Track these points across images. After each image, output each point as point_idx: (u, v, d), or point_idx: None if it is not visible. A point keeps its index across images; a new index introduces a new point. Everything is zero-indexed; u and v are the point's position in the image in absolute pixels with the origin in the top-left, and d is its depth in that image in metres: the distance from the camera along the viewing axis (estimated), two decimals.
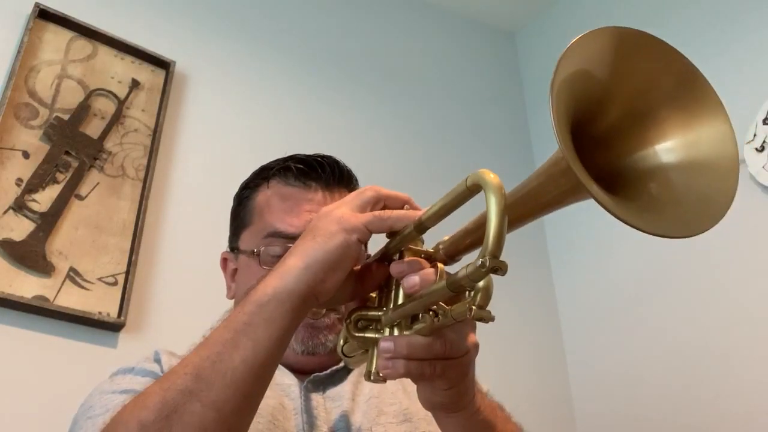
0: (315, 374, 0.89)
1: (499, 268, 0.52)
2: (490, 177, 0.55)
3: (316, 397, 0.87)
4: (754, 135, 1.71)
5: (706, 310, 1.73)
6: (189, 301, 1.51)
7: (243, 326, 0.63)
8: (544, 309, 2.14)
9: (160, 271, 1.55)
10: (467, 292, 0.58)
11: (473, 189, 0.57)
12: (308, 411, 0.85)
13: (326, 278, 0.64)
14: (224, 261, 1.03)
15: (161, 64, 1.77)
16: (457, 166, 2.22)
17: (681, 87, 0.57)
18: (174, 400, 0.60)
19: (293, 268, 0.64)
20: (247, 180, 1.02)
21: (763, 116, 1.72)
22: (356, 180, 1.00)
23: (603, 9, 2.35)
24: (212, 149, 1.77)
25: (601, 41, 0.55)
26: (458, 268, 0.65)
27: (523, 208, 0.60)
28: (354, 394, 0.88)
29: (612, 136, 0.58)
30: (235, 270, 0.99)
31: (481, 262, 0.52)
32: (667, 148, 0.57)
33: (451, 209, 0.61)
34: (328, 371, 0.90)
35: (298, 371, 0.90)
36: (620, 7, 2.28)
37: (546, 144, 2.38)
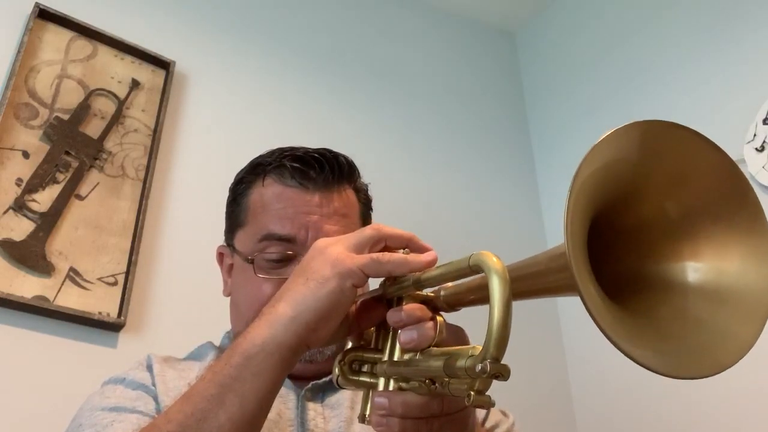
0: (314, 382, 0.87)
1: (501, 375, 0.49)
2: (493, 262, 0.51)
3: (314, 407, 0.85)
4: (754, 135, 1.71)
5: None
6: (189, 301, 1.52)
7: (229, 380, 0.60)
8: (544, 309, 2.13)
9: (160, 271, 1.55)
10: None
11: (475, 270, 0.54)
12: (304, 423, 0.83)
13: (318, 328, 0.61)
14: (220, 255, 1.00)
15: (161, 64, 1.77)
16: (456, 166, 2.22)
17: (726, 200, 0.49)
18: None
19: (283, 316, 0.61)
20: (240, 174, 0.98)
21: (763, 116, 1.72)
22: (359, 172, 0.96)
23: (603, 9, 2.35)
24: (212, 149, 1.76)
25: (633, 135, 0.49)
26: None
27: (521, 288, 0.55)
28: (353, 402, 0.86)
29: (635, 237, 0.52)
30: (231, 265, 0.97)
31: (481, 367, 0.49)
32: (693, 267, 0.50)
33: (451, 280, 0.58)
34: (328, 378, 0.87)
35: (297, 378, 0.88)
36: (620, 8, 2.28)
37: (546, 144, 2.38)
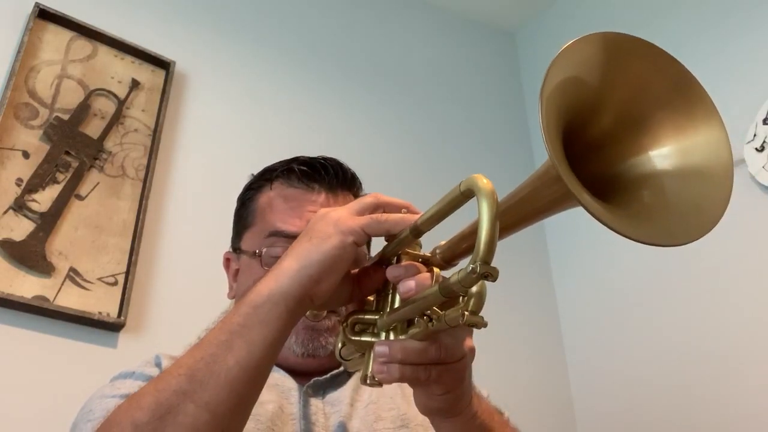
0: (315, 378, 0.90)
1: (490, 275, 0.52)
2: (483, 183, 0.55)
3: (316, 402, 0.87)
4: (754, 135, 1.71)
5: (705, 311, 1.73)
6: (189, 301, 1.51)
7: (238, 328, 0.63)
8: (545, 309, 2.14)
9: (160, 271, 1.55)
10: (461, 297, 0.58)
11: (467, 194, 0.57)
12: (306, 417, 0.85)
13: (321, 280, 0.64)
14: (227, 261, 1.03)
15: (161, 64, 1.77)
16: (456, 166, 2.22)
17: (674, 92, 0.57)
18: (168, 401, 0.60)
19: (288, 269, 0.64)
20: (250, 181, 1.02)
21: (763, 116, 1.72)
22: (360, 183, 1.00)
23: (602, 9, 2.35)
24: (212, 149, 1.77)
25: (591, 47, 0.55)
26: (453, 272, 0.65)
27: (516, 215, 0.60)
28: (353, 399, 0.88)
29: (605, 143, 0.58)
30: (237, 270, 0.99)
31: (472, 268, 0.52)
32: (661, 155, 0.56)
33: (446, 214, 0.61)
34: (329, 375, 0.90)
35: (299, 374, 0.90)
36: (619, 8, 2.28)
37: None
